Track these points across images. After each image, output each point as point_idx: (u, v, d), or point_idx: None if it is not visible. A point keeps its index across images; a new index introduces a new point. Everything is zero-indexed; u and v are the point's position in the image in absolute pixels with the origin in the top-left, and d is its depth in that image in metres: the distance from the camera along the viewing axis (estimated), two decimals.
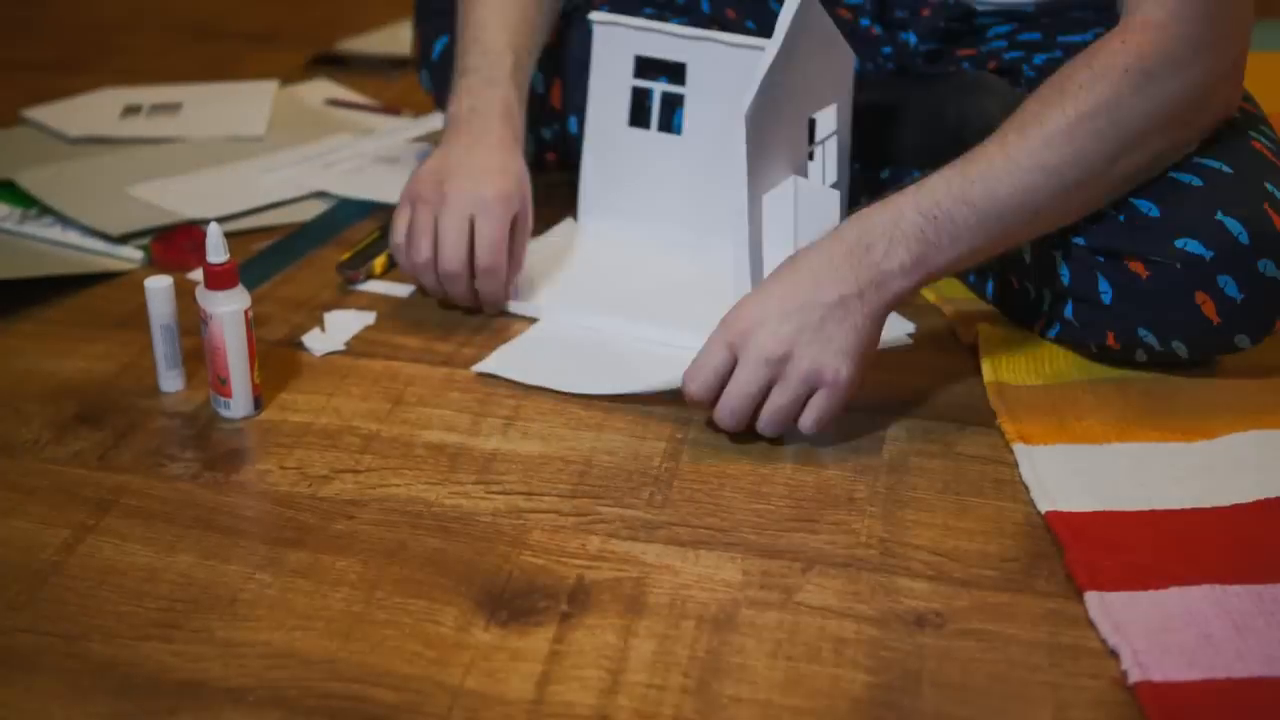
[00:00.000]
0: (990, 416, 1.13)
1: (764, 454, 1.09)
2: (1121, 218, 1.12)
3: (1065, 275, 1.16)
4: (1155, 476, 1.05)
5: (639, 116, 1.39)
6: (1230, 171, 1.11)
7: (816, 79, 1.24)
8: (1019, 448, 1.08)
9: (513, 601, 0.94)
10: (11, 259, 1.41)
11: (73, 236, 1.45)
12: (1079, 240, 1.14)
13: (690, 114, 1.37)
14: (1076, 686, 0.86)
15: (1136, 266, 1.12)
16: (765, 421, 1.08)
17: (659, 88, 1.38)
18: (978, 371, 1.19)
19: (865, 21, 1.37)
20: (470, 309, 1.30)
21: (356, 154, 1.66)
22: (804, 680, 0.87)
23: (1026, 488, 1.05)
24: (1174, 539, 0.98)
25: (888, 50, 1.38)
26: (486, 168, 1.25)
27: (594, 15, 1.38)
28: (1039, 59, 1.30)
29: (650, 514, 1.03)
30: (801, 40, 1.18)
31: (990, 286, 1.28)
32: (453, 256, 1.24)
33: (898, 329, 1.25)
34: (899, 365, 1.21)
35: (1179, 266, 1.10)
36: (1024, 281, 1.22)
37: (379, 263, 1.38)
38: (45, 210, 1.50)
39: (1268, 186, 1.11)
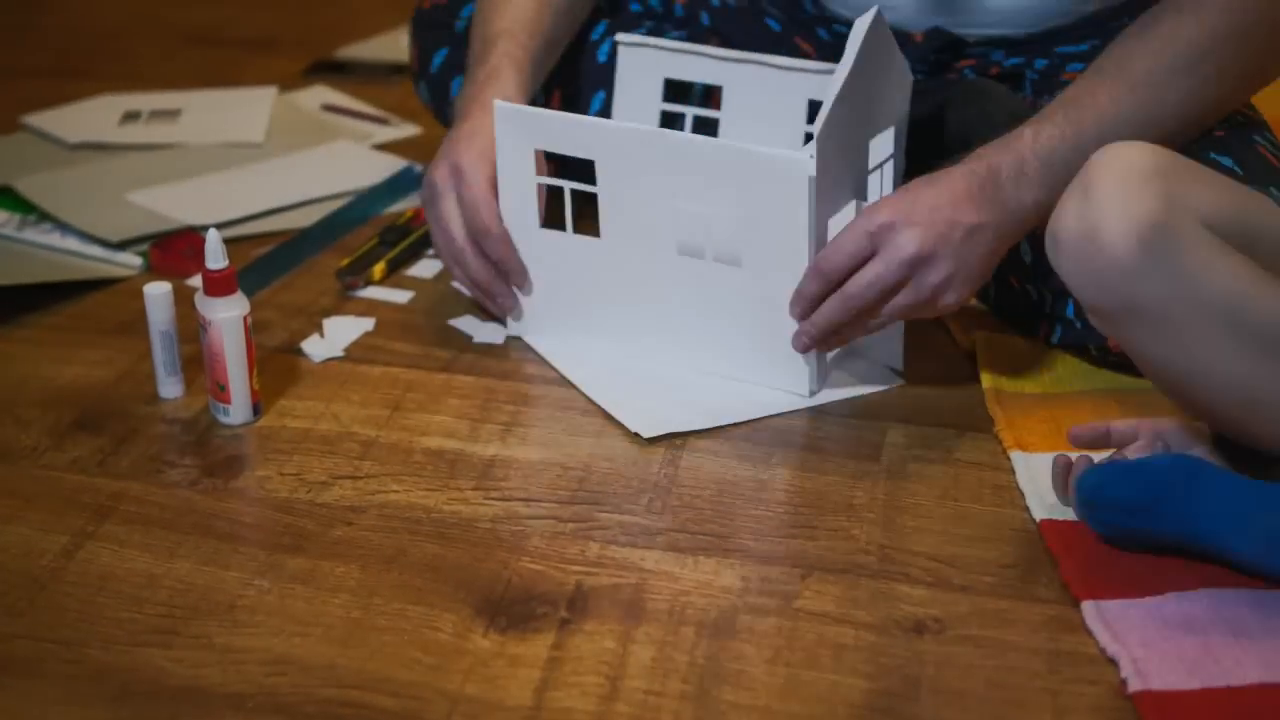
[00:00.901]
0: (988, 423, 1.13)
1: (763, 460, 1.10)
2: None
3: None
4: None
5: None
6: (1240, 173, 1.12)
7: (878, 99, 1.19)
8: (1016, 455, 1.08)
9: (511, 608, 0.94)
10: (10, 265, 1.41)
11: (72, 243, 1.45)
12: None
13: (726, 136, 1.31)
14: (1075, 692, 0.86)
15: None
16: (888, 313, 1.10)
17: (691, 112, 1.36)
18: (976, 378, 1.19)
19: None
20: (501, 302, 1.25)
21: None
22: (803, 686, 0.87)
23: (1023, 494, 1.05)
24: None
25: None
26: (458, 138, 1.23)
27: (620, 36, 1.35)
28: (1040, 63, 1.30)
29: (649, 520, 1.03)
30: (869, 60, 1.13)
31: (989, 290, 1.28)
32: (447, 237, 1.23)
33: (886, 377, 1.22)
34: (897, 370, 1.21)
35: None
36: (1024, 283, 1.22)
37: (378, 269, 1.38)
38: (44, 216, 1.50)
39: (1271, 190, 1.11)
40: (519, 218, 1.21)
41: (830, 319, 1.11)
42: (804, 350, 1.14)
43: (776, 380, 1.17)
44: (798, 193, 1.09)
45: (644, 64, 1.35)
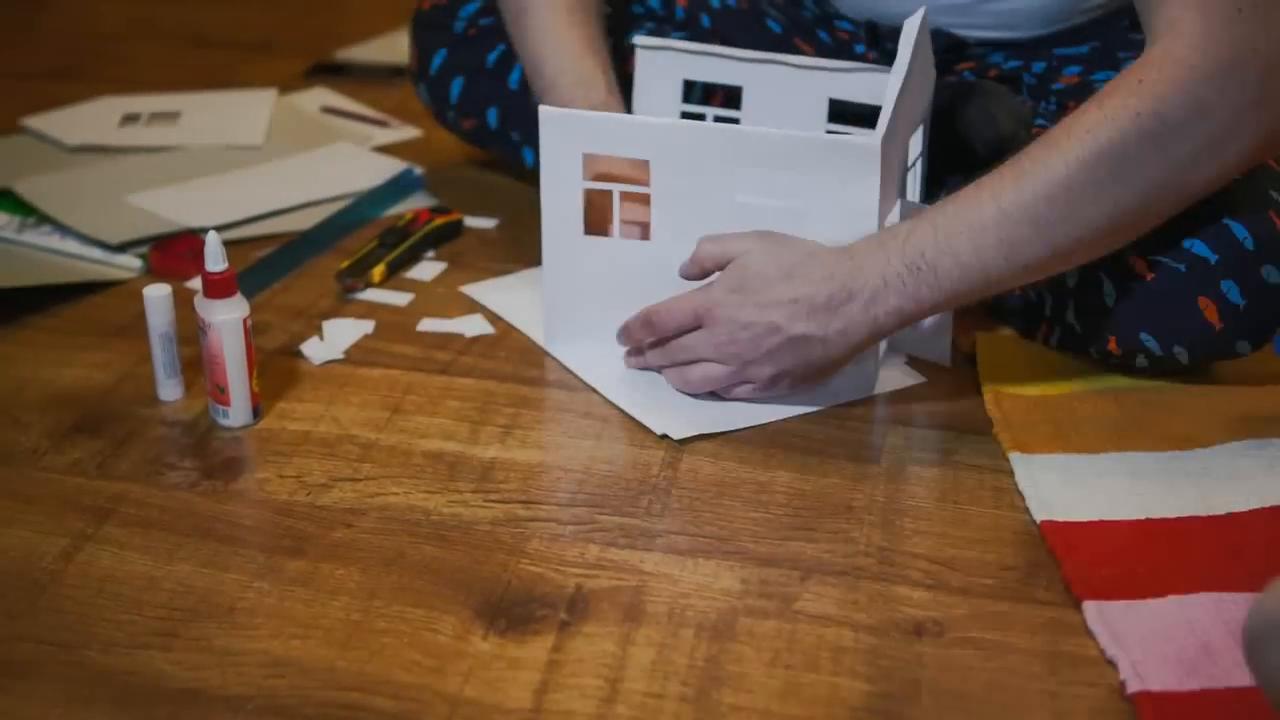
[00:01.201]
0: (988, 425, 1.13)
1: (762, 462, 1.10)
2: None
3: (1071, 275, 1.16)
4: (1151, 485, 1.05)
5: None
6: (1239, 178, 1.12)
7: (918, 97, 1.20)
8: (1016, 457, 1.08)
9: (511, 610, 0.94)
10: (10, 268, 1.41)
11: (71, 245, 1.45)
12: None
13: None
14: (1074, 695, 0.86)
15: (1141, 267, 1.13)
16: (684, 375, 1.15)
17: (712, 112, 1.36)
18: (975, 380, 1.19)
19: (860, 48, 1.37)
20: None
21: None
22: (802, 689, 0.87)
23: (1023, 496, 1.05)
24: (1171, 548, 0.98)
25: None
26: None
27: (639, 39, 1.35)
28: (1038, 66, 1.30)
29: (649, 522, 1.03)
30: (917, 58, 1.15)
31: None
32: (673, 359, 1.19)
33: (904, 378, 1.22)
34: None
35: (1183, 269, 1.10)
36: (1025, 286, 1.23)
37: (378, 271, 1.38)
38: (44, 219, 1.50)
39: (1272, 194, 1.11)
40: (564, 225, 1.19)
41: (652, 363, 1.18)
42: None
43: (840, 380, 1.17)
44: (867, 176, 1.10)
45: (663, 66, 1.35)
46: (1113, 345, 1.16)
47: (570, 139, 1.16)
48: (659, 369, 1.19)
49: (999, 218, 1.04)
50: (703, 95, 1.40)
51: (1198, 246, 1.10)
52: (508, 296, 1.35)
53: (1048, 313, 1.21)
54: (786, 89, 1.31)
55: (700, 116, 1.36)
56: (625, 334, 1.19)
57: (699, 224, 1.15)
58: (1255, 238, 1.09)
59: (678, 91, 1.35)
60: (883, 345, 1.19)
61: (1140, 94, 1.01)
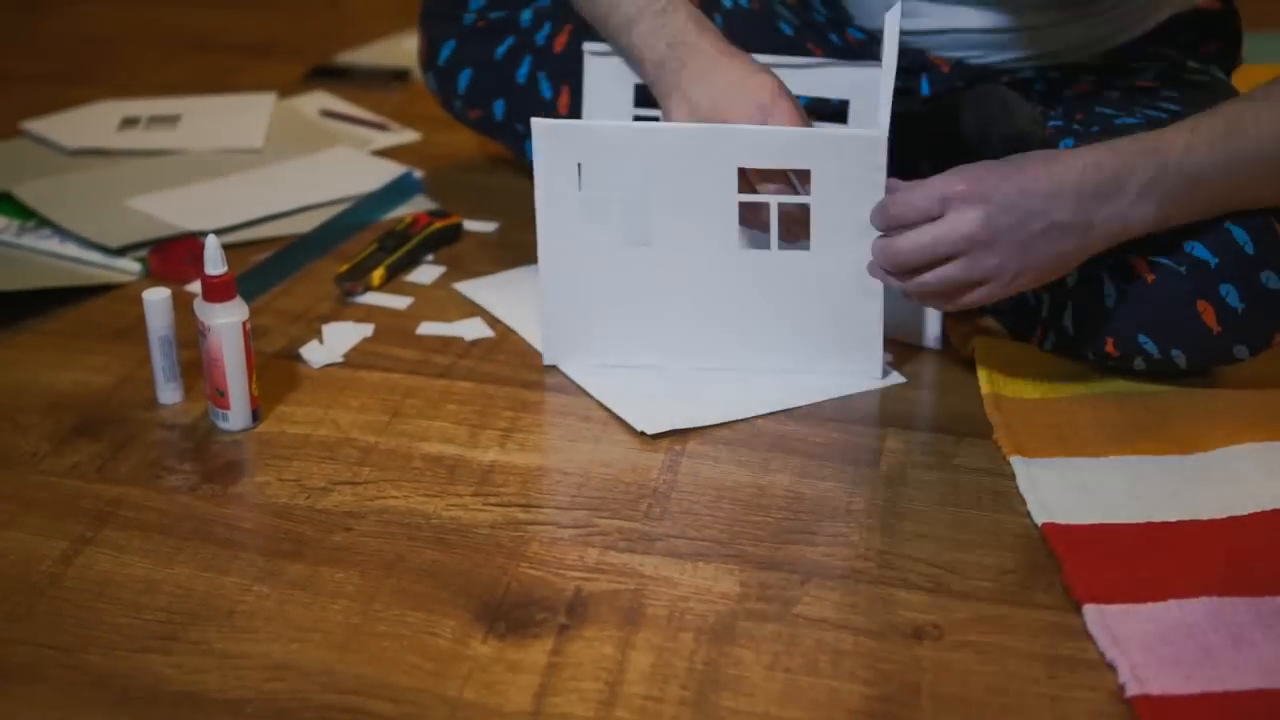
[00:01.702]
0: (988, 429, 1.13)
1: (762, 466, 1.10)
2: None
3: (1071, 275, 1.16)
4: (1152, 489, 1.05)
5: None
6: None
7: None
8: (1016, 460, 1.08)
9: (510, 613, 0.94)
10: (10, 271, 1.41)
11: (71, 249, 1.45)
12: None
13: None
14: (1074, 699, 0.86)
15: (1142, 268, 1.13)
16: (928, 283, 1.08)
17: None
18: (975, 384, 1.19)
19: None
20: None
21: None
22: (802, 692, 0.87)
23: (1024, 500, 1.05)
24: (1171, 551, 0.98)
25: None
26: (740, 83, 1.16)
27: (588, 45, 1.34)
28: (1051, 74, 1.31)
29: (648, 526, 1.03)
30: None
31: None
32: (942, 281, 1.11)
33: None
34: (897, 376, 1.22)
35: (1184, 270, 1.11)
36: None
37: (377, 275, 1.38)
38: (43, 222, 1.50)
39: None
40: (560, 237, 1.18)
41: (888, 265, 1.10)
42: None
43: (847, 364, 1.19)
44: (874, 169, 1.10)
45: (613, 72, 1.34)
46: (1110, 347, 1.16)
47: (565, 149, 1.15)
48: (693, 370, 1.19)
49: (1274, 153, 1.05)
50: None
51: (1199, 250, 1.10)
52: (502, 295, 1.36)
53: (1044, 314, 1.21)
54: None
55: (654, 120, 1.34)
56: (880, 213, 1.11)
57: (700, 227, 1.15)
58: (1256, 243, 1.09)
59: (629, 96, 1.34)
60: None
61: None
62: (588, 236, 1.18)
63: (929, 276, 1.07)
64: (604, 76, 1.34)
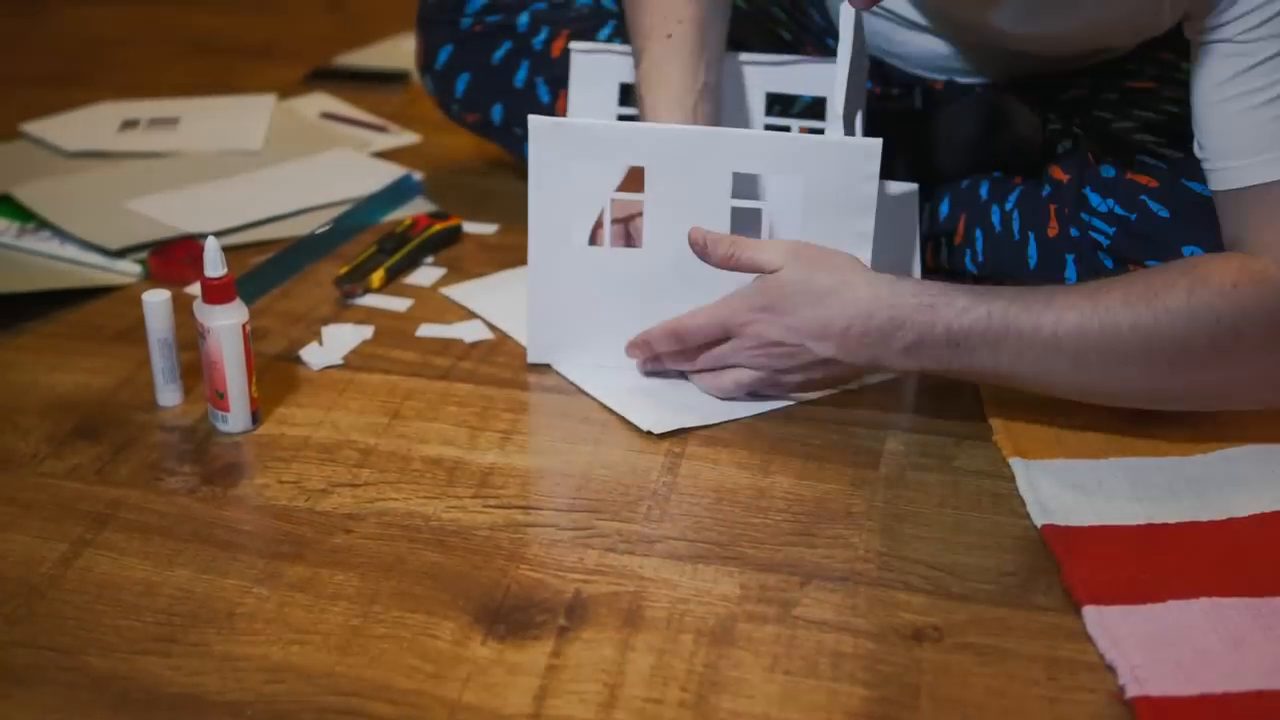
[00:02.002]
0: (987, 431, 1.13)
1: (761, 468, 1.10)
2: (1134, 217, 1.13)
3: (1072, 274, 1.17)
4: (1151, 491, 1.05)
5: None
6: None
7: (858, 86, 1.23)
8: (1016, 462, 1.08)
9: (510, 615, 0.94)
10: (9, 273, 1.41)
11: (70, 251, 1.45)
12: (1080, 234, 1.16)
13: None
14: (1074, 701, 0.86)
15: (1137, 271, 1.13)
16: (717, 380, 1.16)
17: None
18: (974, 386, 1.19)
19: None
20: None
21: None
22: (802, 694, 0.87)
23: (1023, 502, 1.05)
24: (1170, 553, 0.98)
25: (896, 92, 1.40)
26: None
27: (574, 44, 1.35)
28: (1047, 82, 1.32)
29: (648, 528, 1.03)
30: (858, 49, 1.18)
31: (976, 253, 1.29)
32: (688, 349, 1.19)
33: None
34: (896, 380, 1.22)
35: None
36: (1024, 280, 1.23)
37: (377, 277, 1.38)
38: (43, 224, 1.50)
39: None
40: (553, 239, 1.18)
41: (671, 368, 1.19)
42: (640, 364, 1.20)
43: None
44: (868, 178, 1.11)
45: (598, 70, 1.35)
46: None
47: (561, 149, 1.15)
48: (684, 373, 1.19)
49: (1050, 342, 1.04)
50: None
51: (1197, 254, 1.10)
52: (493, 298, 1.35)
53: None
54: (726, 84, 1.31)
55: (635, 119, 1.34)
56: (643, 346, 1.18)
57: (690, 228, 1.16)
58: None
59: (614, 95, 1.35)
60: None
61: (1230, 300, 1.01)
62: (579, 235, 1.19)
63: (732, 373, 1.15)
64: (589, 75, 1.35)
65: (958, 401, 1.18)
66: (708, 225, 1.14)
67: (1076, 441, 1.11)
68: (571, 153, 1.15)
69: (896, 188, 1.26)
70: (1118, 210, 1.19)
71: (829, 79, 1.24)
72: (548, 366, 1.24)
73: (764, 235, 1.17)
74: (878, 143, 1.10)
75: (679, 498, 1.06)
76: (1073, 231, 1.20)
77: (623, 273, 1.18)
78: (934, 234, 1.32)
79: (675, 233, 1.16)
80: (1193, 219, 1.12)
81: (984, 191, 1.30)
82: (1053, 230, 1.23)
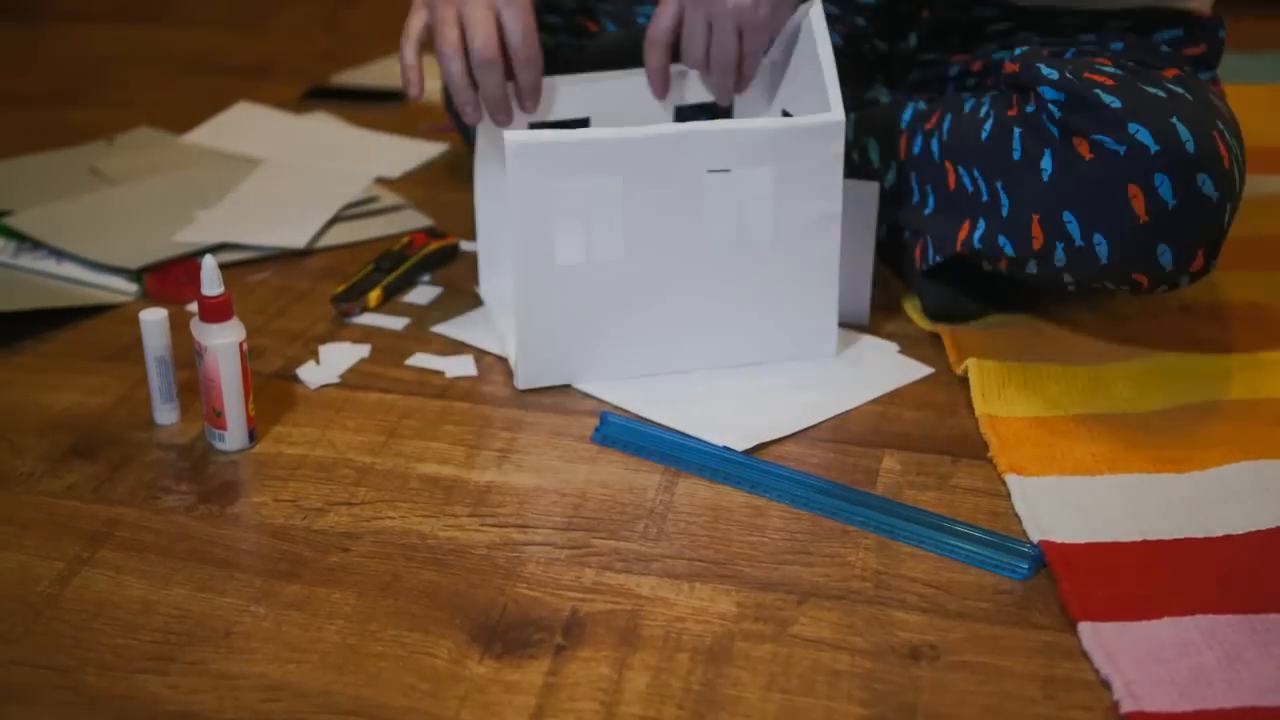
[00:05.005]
0: (983, 448, 1.14)
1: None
2: (1087, 98, 1.13)
3: (1017, 149, 1.18)
4: (1148, 507, 1.05)
5: None
6: (1191, 99, 1.14)
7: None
8: (1011, 479, 1.09)
9: (507, 634, 0.94)
10: (6, 291, 1.41)
11: (68, 269, 1.46)
12: (1035, 110, 1.17)
13: None
14: (1071, 718, 0.86)
15: (1083, 147, 1.14)
16: (708, 57, 1.25)
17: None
18: (970, 403, 1.20)
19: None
20: (496, 116, 1.27)
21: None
22: (798, 713, 0.87)
23: (1019, 519, 1.05)
24: (1166, 570, 0.98)
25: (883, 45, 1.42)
26: None
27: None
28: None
29: (645, 546, 1.03)
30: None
31: (942, 133, 1.31)
32: (486, 44, 1.21)
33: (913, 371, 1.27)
34: (891, 398, 1.22)
35: (1123, 153, 1.11)
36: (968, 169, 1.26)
37: (374, 296, 1.39)
38: (40, 243, 1.50)
39: (1219, 124, 1.14)
40: (536, 258, 1.17)
41: (697, 65, 1.27)
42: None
43: (802, 351, 1.25)
44: (835, 151, 1.17)
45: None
46: (1035, 226, 1.17)
47: (540, 167, 1.14)
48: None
49: None
50: None
51: (1143, 134, 1.11)
52: (480, 330, 1.34)
53: (984, 199, 1.22)
54: (632, 102, 1.32)
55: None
56: (654, 76, 1.29)
57: (672, 232, 1.18)
58: (1198, 146, 1.10)
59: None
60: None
61: None
62: (563, 253, 1.18)
63: (712, 54, 1.25)
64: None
65: (954, 419, 1.18)
66: (684, 224, 1.17)
67: (1072, 458, 1.11)
68: (550, 170, 1.14)
69: (856, 183, 1.29)
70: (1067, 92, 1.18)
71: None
72: (545, 385, 1.24)
73: (736, 228, 1.22)
74: (841, 119, 1.16)
75: (676, 516, 1.06)
76: (1028, 108, 1.20)
77: (607, 285, 1.19)
78: (910, 129, 1.34)
79: (654, 237, 1.17)
80: (1141, 103, 1.12)
81: (966, 99, 1.31)
82: (1012, 112, 1.23)
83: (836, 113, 1.17)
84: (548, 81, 1.29)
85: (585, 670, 0.91)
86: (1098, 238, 1.14)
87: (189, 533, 1.05)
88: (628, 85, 1.31)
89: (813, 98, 1.21)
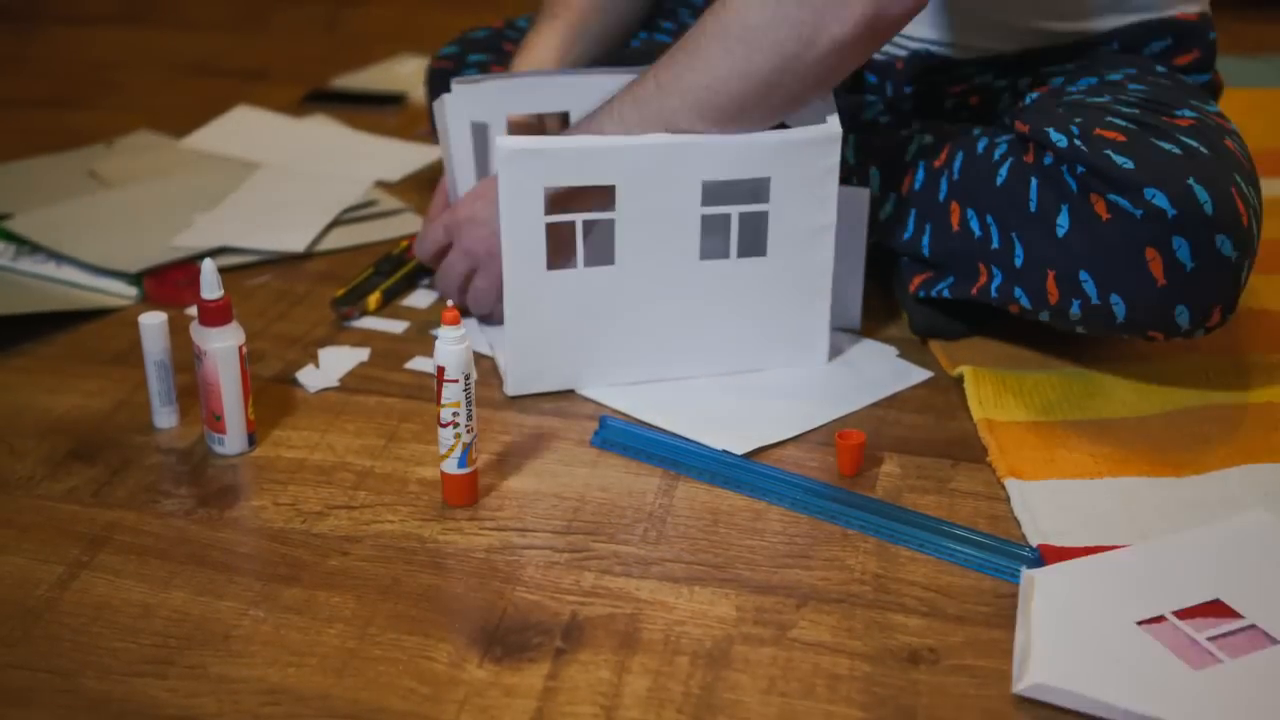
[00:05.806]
0: (982, 453, 1.14)
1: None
2: (1099, 165, 1.12)
3: (1033, 200, 1.16)
4: (1146, 511, 1.05)
5: None
6: (1207, 153, 1.12)
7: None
8: (1011, 483, 1.09)
9: (507, 638, 0.94)
10: (5, 295, 1.41)
11: (67, 273, 1.46)
12: (1053, 163, 1.15)
13: None
14: None
15: (1100, 207, 1.12)
16: (470, 301, 1.31)
17: None
18: (967, 409, 1.19)
19: (871, 77, 1.40)
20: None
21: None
22: (798, 716, 0.87)
23: (1019, 523, 1.05)
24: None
25: (874, 99, 1.40)
26: (489, 221, 1.25)
27: (455, 80, 1.33)
28: (1022, 82, 1.32)
29: (644, 550, 1.03)
30: None
31: (926, 230, 1.29)
32: (448, 289, 1.33)
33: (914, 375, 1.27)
34: (891, 401, 1.22)
35: (1140, 216, 1.10)
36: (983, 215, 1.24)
37: (373, 299, 1.39)
38: (39, 246, 1.50)
39: (1236, 177, 1.12)
40: (526, 265, 1.16)
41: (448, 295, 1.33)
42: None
43: (795, 358, 1.25)
44: (830, 164, 1.18)
45: (470, 106, 1.33)
46: (1051, 283, 1.16)
47: (531, 172, 1.14)
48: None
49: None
50: None
51: (1160, 198, 1.09)
52: (479, 334, 1.33)
53: (994, 245, 1.21)
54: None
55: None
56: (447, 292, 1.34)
57: (664, 241, 1.18)
58: (1215, 206, 1.09)
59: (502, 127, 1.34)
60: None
61: None
62: (554, 263, 1.18)
63: (469, 297, 1.32)
64: (461, 111, 1.34)
65: (953, 423, 1.19)
66: (679, 234, 1.18)
67: (1071, 462, 1.11)
68: (542, 176, 1.14)
69: (848, 190, 1.28)
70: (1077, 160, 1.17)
71: None
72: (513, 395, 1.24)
73: (732, 237, 1.20)
74: (838, 132, 1.16)
75: (675, 520, 1.06)
76: (1046, 159, 1.18)
77: (599, 292, 1.19)
78: (914, 161, 1.32)
79: (647, 246, 1.17)
80: (1157, 165, 1.11)
81: (979, 138, 1.29)
82: (1029, 158, 1.22)
83: (833, 125, 1.17)
84: (534, 79, 1.33)
85: (585, 674, 0.91)
86: (1115, 298, 1.13)
87: (188, 536, 1.05)
88: (614, 85, 1.30)
89: (809, 110, 1.21)
